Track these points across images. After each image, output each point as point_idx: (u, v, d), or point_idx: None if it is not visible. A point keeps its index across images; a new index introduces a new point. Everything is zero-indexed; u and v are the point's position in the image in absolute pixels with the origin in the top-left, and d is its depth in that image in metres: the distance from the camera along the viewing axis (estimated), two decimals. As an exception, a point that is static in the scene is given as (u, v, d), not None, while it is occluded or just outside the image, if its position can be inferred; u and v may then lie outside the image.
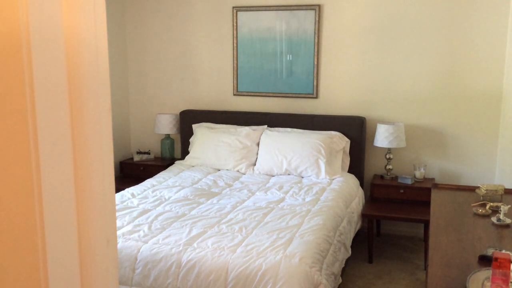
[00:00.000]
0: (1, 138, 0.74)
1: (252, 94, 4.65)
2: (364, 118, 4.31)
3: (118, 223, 3.09)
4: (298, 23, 4.40)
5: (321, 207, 3.37)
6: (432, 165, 4.27)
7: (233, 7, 4.55)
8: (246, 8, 4.52)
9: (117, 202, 3.48)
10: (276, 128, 4.40)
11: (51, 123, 0.76)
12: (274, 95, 4.58)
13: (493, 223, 2.39)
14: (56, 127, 0.77)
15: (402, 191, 4.06)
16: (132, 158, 4.88)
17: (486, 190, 2.73)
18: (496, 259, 1.65)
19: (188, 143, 4.70)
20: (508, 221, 2.38)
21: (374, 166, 4.43)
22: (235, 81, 4.67)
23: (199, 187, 3.85)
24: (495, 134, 4.07)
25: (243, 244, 2.76)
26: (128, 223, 3.08)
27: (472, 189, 2.94)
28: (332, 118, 4.33)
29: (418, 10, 4.12)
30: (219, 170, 4.31)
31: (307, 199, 3.56)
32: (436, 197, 2.83)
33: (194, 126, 4.65)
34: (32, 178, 0.74)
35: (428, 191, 3.72)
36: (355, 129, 4.25)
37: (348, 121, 4.27)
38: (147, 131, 5.05)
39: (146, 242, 2.82)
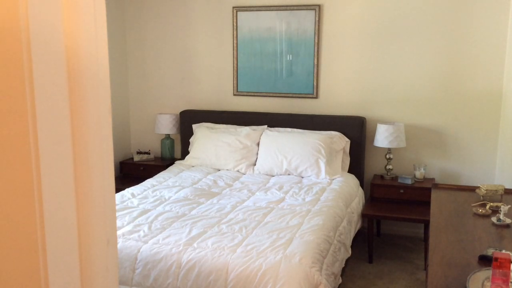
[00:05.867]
0: (1, 138, 0.74)
1: (252, 94, 4.65)
2: (364, 118, 4.31)
3: (118, 223, 3.08)
4: (298, 23, 4.40)
5: (321, 207, 3.37)
6: (432, 165, 4.27)
7: (233, 7, 4.55)
8: (246, 8, 4.52)
9: (117, 202, 3.48)
10: (276, 128, 4.40)
11: (51, 123, 0.76)
12: (274, 95, 4.58)
13: (493, 223, 2.39)
14: (56, 127, 0.77)
15: (402, 191, 4.06)
16: (132, 158, 4.88)
17: (486, 190, 2.73)
18: (496, 259, 1.65)
19: (188, 143, 4.70)
20: (508, 221, 2.38)
21: (374, 166, 4.43)
22: (235, 81, 4.67)
23: (199, 187, 3.85)
24: (495, 134, 4.07)
25: (243, 244, 2.76)
26: (128, 223, 3.08)
27: (472, 189, 2.94)
28: (332, 118, 4.33)
29: (418, 10, 4.12)
30: (219, 170, 4.31)
31: (307, 199, 3.56)
32: (436, 197, 2.83)
33: (194, 126, 4.65)
34: (32, 178, 0.74)
35: (428, 191, 3.72)
36: (355, 129, 4.25)
37: (348, 121, 4.27)
38: (147, 131, 5.05)
39: (146, 242, 2.82)
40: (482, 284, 1.73)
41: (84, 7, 0.80)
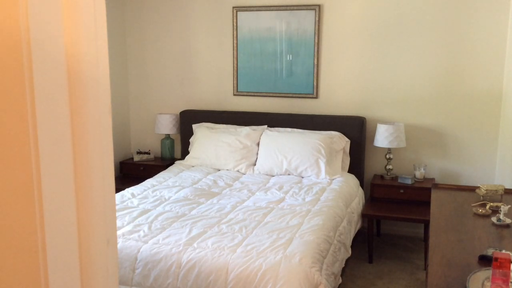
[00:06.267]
0: (1, 138, 0.74)
1: (252, 94, 4.65)
2: (364, 118, 4.31)
3: (118, 223, 3.08)
4: (298, 23, 4.40)
5: (321, 207, 3.37)
6: (432, 165, 4.27)
7: (233, 7, 4.55)
8: (246, 8, 4.52)
9: (117, 202, 3.48)
10: (276, 128, 4.40)
11: (51, 123, 0.76)
12: (274, 95, 4.58)
13: (493, 223, 2.39)
14: (56, 127, 0.77)
15: (402, 191, 4.06)
16: (132, 158, 4.88)
17: (486, 190, 2.73)
18: (496, 259, 1.65)
19: (188, 143, 4.70)
20: (508, 221, 2.38)
21: (374, 166, 4.43)
22: (235, 81, 4.67)
23: (199, 187, 3.85)
24: (495, 134, 4.07)
25: (243, 244, 2.76)
26: (128, 223, 3.08)
27: (472, 189, 2.94)
28: (332, 118, 4.33)
29: (418, 10, 4.12)
30: (219, 170, 4.31)
31: (307, 199, 3.56)
32: (436, 197, 2.83)
33: (194, 126, 4.65)
34: (32, 178, 0.74)
35: (428, 191, 3.72)
36: (355, 129, 4.25)
37: (348, 121, 4.27)
38: (147, 131, 5.05)
39: (146, 242, 2.82)
40: (482, 284, 1.73)
41: (84, 7, 0.80)
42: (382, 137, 4.08)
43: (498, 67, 3.99)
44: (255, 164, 4.28)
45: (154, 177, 4.13)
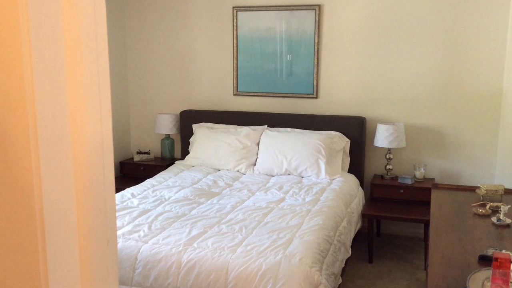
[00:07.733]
0: (1, 138, 0.74)
1: (252, 94, 4.65)
2: (364, 118, 4.31)
3: (118, 223, 3.08)
4: (298, 23, 4.40)
5: (321, 207, 3.37)
6: (432, 165, 4.27)
7: (233, 7, 4.55)
8: (246, 8, 4.52)
9: (117, 202, 3.48)
10: (276, 128, 4.40)
11: (51, 123, 0.76)
12: (274, 95, 4.58)
13: (493, 223, 2.39)
14: (56, 127, 0.77)
15: (402, 191, 4.06)
16: (132, 158, 4.88)
17: (486, 190, 2.73)
18: (496, 259, 1.65)
19: (188, 143, 4.70)
20: (508, 221, 2.38)
21: (374, 166, 4.43)
22: (235, 81, 4.67)
23: (199, 187, 3.85)
24: (495, 134, 4.07)
25: (243, 244, 2.76)
26: (128, 223, 3.08)
27: (472, 189, 2.94)
28: (332, 118, 4.33)
29: (419, 10, 4.12)
30: (219, 170, 4.31)
31: (307, 199, 3.56)
32: (436, 197, 2.83)
33: (194, 126, 4.65)
34: (32, 178, 0.74)
35: (428, 191, 3.72)
36: (355, 129, 4.25)
37: (348, 121, 4.27)
38: (147, 131, 5.05)
39: (146, 242, 2.82)
40: (482, 284, 1.73)
41: (84, 7, 0.80)
42: (382, 137, 4.08)
43: (498, 67, 3.99)
44: (255, 164, 4.28)
45: (154, 177, 4.13)
